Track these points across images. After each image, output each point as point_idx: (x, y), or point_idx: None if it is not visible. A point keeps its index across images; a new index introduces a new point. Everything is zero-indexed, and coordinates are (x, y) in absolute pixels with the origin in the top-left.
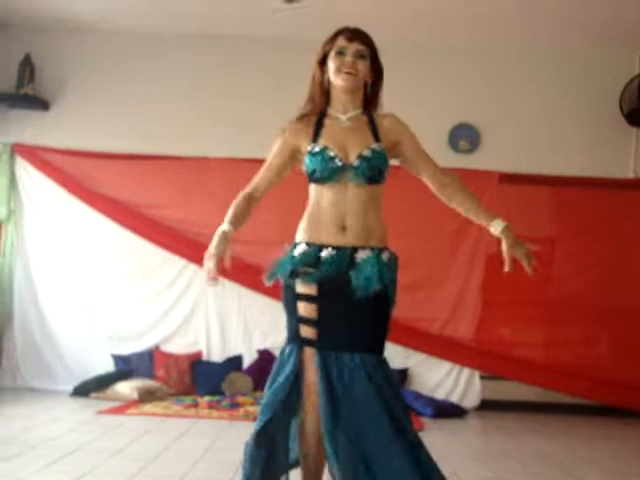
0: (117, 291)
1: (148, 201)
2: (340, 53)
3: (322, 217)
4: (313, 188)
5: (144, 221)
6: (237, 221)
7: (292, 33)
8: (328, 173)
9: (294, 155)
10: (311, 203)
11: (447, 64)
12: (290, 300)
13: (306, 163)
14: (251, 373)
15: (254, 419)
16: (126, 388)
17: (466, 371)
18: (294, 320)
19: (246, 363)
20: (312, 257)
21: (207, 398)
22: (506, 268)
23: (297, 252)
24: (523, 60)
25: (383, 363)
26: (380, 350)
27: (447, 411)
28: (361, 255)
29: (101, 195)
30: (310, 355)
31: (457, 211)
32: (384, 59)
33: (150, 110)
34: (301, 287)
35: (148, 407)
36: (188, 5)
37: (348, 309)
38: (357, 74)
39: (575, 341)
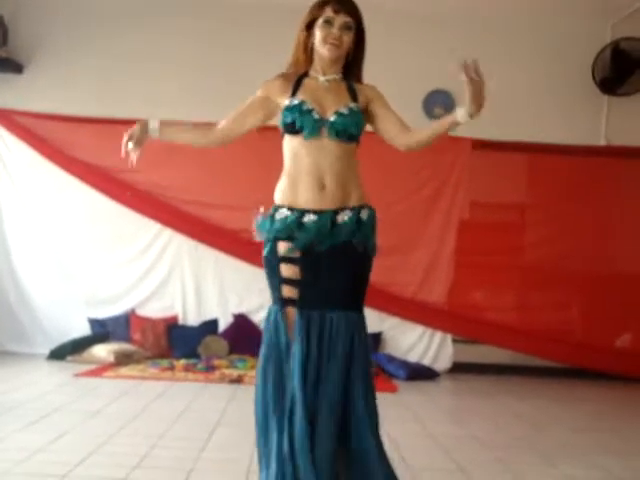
0: (93, 255)
1: (123, 165)
2: (327, 22)
3: (301, 176)
4: (289, 145)
5: (119, 185)
6: (171, 126)
7: None
8: (304, 124)
9: (266, 106)
10: (288, 162)
11: (422, 31)
12: (272, 260)
13: (283, 115)
14: (227, 336)
15: (229, 381)
16: (103, 351)
17: (438, 334)
18: (276, 281)
19: (222, 327)
20: (294, 223)
21: (183, 361)
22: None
23: (278, 217)
24: (497, 28)
25: (362, 321)
26: (360, 307)
27: (420, 373)
28: (342, 217)
29: (76, 159)
30: (292, 315)
31: (424, 147)
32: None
33: (126, 74)
34: (283, 250)
35: (125, 370)
36: None
37: (329, 267)
38: (341, 45)
39: (547, 305)
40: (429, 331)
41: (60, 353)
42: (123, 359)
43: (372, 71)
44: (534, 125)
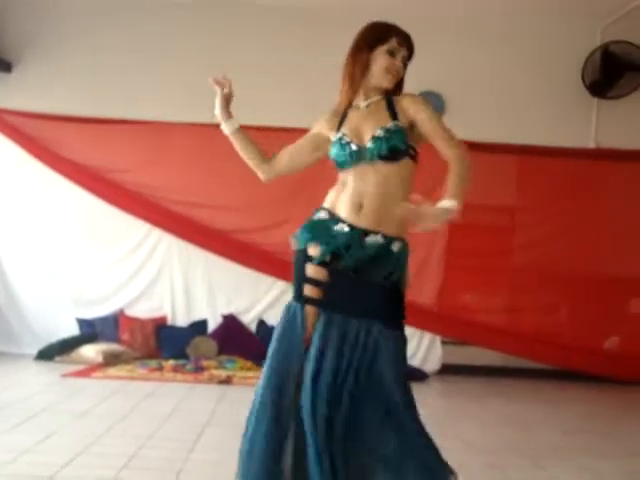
0: (82, 255)
1: (112, 165)
2: (392, 53)
3: (342, 199)
4: (340, 173)
5: (109, 185)
6: (242, 141)
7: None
8: (344, 159)
9: (321, 145)
10: (339, 184)
11: (413, 33)
12: (300, 260)
13: (330, 151)
14: (216, 337)
15: (218, 382)
16: (91, 351)
17: (428, 336)
18: (299, 279)
19: (211, 327)
20: (326, 226)
21: (172, 362)
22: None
23: (316, 216)
24: (488, 30)
25: (396, 338)
26: (391, 323)
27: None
28: (370, 239)
29: (65, 159)
30: (311, 313)
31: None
32: (350, 27)
33: (115, 74)
34: (312, 251)
35: (113, 370)
36: None
37: (356, 282)
38: (399, 77)
39: (536, 307)
40: (418, 332)
41: (48, 353)
42: (111, 359)
43: None
44: (525, 127)
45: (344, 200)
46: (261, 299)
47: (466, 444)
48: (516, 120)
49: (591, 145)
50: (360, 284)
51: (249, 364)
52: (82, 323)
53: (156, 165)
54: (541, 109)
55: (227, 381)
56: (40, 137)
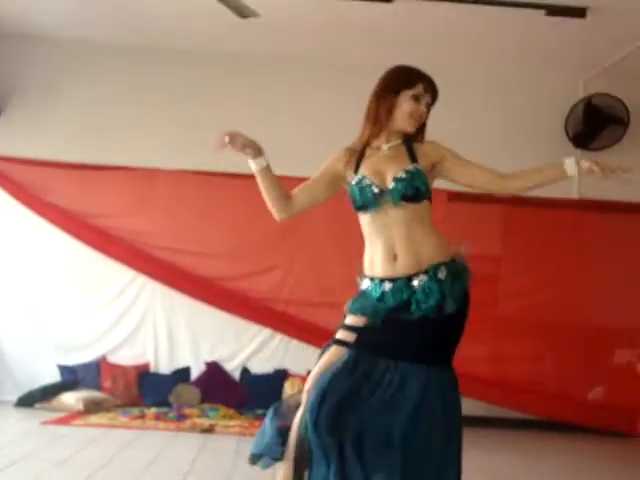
0: (65, 301)
1: (98, 211)
2: (417, 99)
3: (374, 251)
4: (361, 221)
5: (93, 231)
6: (269, 180)
7: (242, 46)
8: (366, 201)
9: (333, 179)
10: (365, 234)
11: None
12: (345, 313)
13: (349, 193)
14: (199, 385)
15: (201, 431)
16: (71, 399)
17: None
18: (339, 327)
19: (194, 375)
20: (375, 292)
21: (154, 409)
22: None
23: (362, 288)
24: (470, 82)
25: (445, 379)
26: (438, 362)
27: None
28: (416, 282)
29: (51, 204)
30: (334, 351)
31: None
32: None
33: (102, 120)
34: (352, 321)
35: (94, 418)
36: (139, 17)
37: (404, 328)
38: (421, 122)
39: (521, 357)
40: None
41: (28, 400)
42: (92, 407)
43: (349, 123)
44: None
45: (377, 257)
46: (245, 346)
47: None
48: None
49: (574, 196)
50: (407, 328)
51: (232, 412)
52: (63, 370)
53: (141, 211)
54: (525, 160)
55: (209, 430)
56: (27, 183)
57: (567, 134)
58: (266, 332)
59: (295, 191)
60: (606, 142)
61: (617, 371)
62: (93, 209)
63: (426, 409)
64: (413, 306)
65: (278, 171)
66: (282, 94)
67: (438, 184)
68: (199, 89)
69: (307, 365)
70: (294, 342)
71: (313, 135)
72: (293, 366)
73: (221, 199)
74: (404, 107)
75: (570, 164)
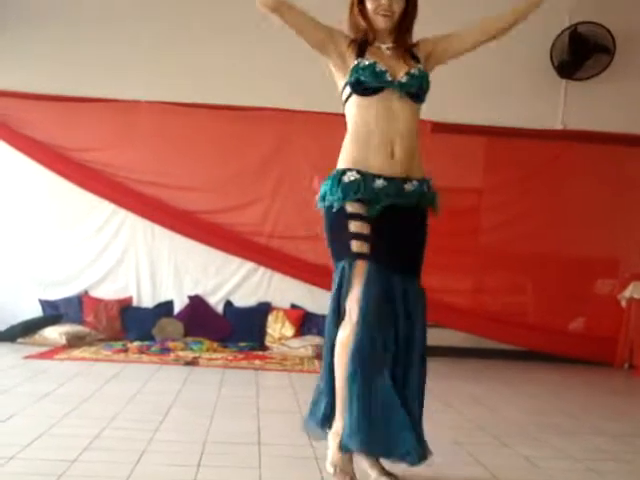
0: (45, 236)
1: (76, 144)
2: None
3: (370, 138)
4: (356, 108)
5: (73, 165)
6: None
7: None
8: (378, 83)
9: (329, 44)
10: (356, 123)
11: None
12: (340, 220)
13: (354, 74)
14: (182, 318)
15: (184, 363)
16: (54, 333)
17: None
18: (344, 238)
19: (177, 308)
20: (365, 187)
21: (137, 343)
22: None
23: (347, 179)
24: (456, 11)
25: (424, 293)
26: (420, 275)
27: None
28: (409, 187)
29: (27, 137)
30: (362, 268)
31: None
32: None
33: (81, 51)
34: (351, 209)
35: (77, 352)
36: None
37: (395, 232)
38: (393, 15)
39: (502, 288)
40: None
41: (10, 335)
42: (75, 341)
43: None
44: (492, 108)
45: (373, 147)
46: (228, 280)
47: (431, 423)
48: (484, 101)
49: (558, 126)
50: (403, 239)
51: (215, 345)
52: (45, 305)
53: (121, 144)
54: (509, 90)
55: (193, 362)
56: (3, 115)
57: (552, 63)
58: (249, 265)
59: (297, 8)
60: (592, 71)
61: (598, 302)
62: (73, 142)
63: (411, 315)
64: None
65: (263, 104)
66: (264, 23)
67: (422, 114)
68: (181, 19)
69: (290, 298)
70: (277, 275)
71: (295, 67)
72: (276, 299)
73: (203, 131)
74: (369, 6)
75: None
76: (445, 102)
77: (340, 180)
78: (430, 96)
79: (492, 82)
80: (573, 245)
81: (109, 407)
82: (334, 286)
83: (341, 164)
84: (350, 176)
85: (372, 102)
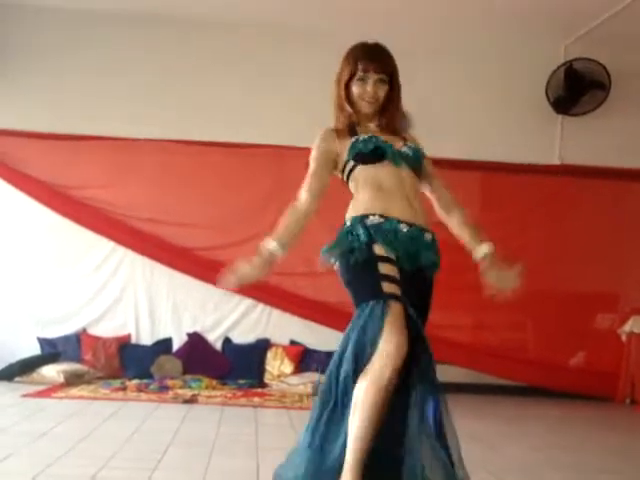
0: (43, 273)
1: (76, 182)
2: (361, 80)
3: (391, 193)
4: (365, 175)
5: (72, 202)
6: (291, 242)
7: (232, 15)
8: (385, 150)
9: (332, 159)
10: (366, 182)
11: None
12: (368, 260)
13: (358, 146)
14: (180, 356)
15: (183, 401)
16: (52, 371)
17: None
18: (373, 279)
19: (175, 346)
20: (390, 228)
21: (136, 381)
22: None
23: (371, 222)
24: (452, 47)
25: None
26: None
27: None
28: (427, 237)
29: (28, 176)
30: (398, 308)
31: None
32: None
33: (80, 89)
34: (379, 251)
35: (75, 390)
36: None
37: (419, 288)
38: (377, 102)
39: (503, 324)
40: None
41: (8, 373)
42: (74, 379)
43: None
44: (489, 144)
45: (395, 197)
46: (227, 316)
47: None
48: (480, 137)
49: (555, 162)
50: (422, 283)
51: (214, 383)
52: (43, 343)
53: (120, 182)
54: (506, 125)
55: (192, 400)
56: (2, 153)
57: (548, 99)
58: (248, 302)
59: (307, 197)
60: (588, 107)
61: (598, 336)
62: (71, 180)
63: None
64: (424, 259)
65: (262, 141)
66: (265, 61)
67: None
68: (180, 57)
69: (289, 334)
70: (276, 311)
71: (294, 104)
72: (275, 335)
73: (201, 168)
74: (354, 90)
75: (483, 250)
76: (440, 138)
77: (363, 221)
78: (426, 132)
79: (489, 118)
80: (573, 280)
81: (107, 446)
82: (355, 329)
83: (358, 213)
84: (373, 220)
85: (378, 167)
